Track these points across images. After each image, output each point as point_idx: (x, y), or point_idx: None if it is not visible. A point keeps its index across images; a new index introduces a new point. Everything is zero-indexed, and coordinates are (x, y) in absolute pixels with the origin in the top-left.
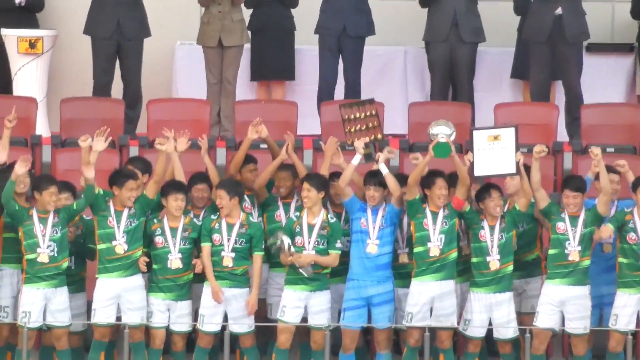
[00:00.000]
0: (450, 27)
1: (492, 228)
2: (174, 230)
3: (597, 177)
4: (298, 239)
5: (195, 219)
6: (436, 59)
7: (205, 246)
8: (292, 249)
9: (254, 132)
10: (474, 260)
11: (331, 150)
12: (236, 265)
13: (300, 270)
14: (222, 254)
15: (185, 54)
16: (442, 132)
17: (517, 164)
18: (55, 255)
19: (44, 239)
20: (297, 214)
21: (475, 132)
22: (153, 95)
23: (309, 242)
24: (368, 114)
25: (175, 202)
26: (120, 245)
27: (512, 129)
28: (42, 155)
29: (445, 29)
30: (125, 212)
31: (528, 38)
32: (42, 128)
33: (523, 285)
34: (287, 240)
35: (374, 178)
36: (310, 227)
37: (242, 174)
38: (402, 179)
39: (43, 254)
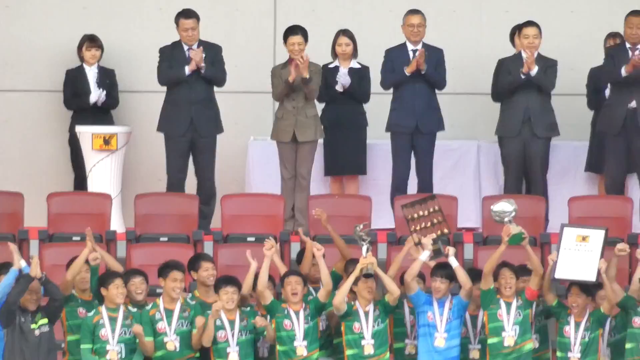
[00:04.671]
0: (523, 122)
1: (577, 325)
2: (231, 323)
3: None
4: (356, 325)
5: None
6: (509, 154)
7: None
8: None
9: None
10: (558, 354)
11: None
12: (310, 351)
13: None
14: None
15: (258, 150)
16: (503, 208)
17: (599, 271)
18: (123, 357)
19: (113, 339)
20: (351, 303)
21: (565, 229)
22: (227, 191)
23: (367, 328)
24: (431, 210)
25: (226, 295)
26: (171, 342)
27: (602, 232)
28: (117, 251)
29: (518, 124)
30: (177, 310)
31: (602, 131)
32: (117, 224)
33: None
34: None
35: (441, 270)
36: (366, 314)
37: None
38: (471, 274)
39: (112, 352)
